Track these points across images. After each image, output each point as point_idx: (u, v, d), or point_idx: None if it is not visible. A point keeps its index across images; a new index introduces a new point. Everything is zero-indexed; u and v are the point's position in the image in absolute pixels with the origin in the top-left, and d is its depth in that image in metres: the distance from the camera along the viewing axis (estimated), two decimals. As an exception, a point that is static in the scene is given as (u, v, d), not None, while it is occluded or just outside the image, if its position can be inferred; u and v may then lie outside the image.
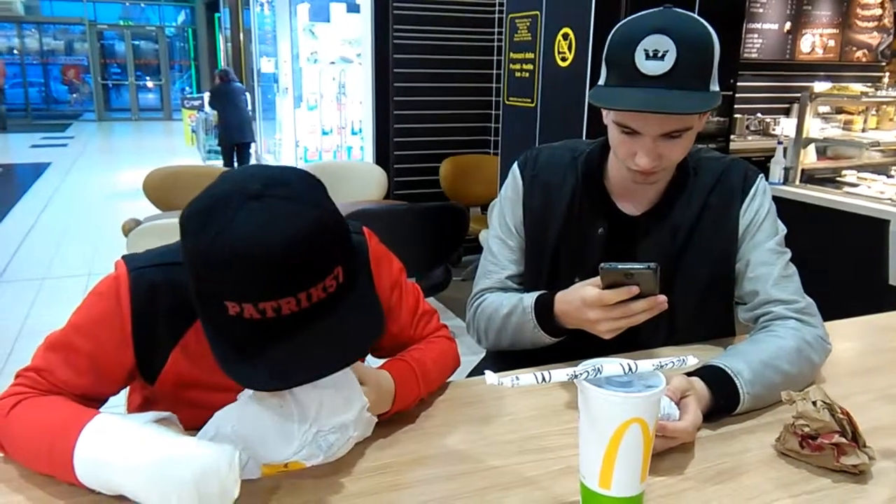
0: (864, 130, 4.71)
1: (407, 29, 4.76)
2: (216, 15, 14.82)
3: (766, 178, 1.35)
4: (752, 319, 1.30)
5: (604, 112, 1.22)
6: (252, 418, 0.88)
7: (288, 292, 0.80)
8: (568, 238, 1.34)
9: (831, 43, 5.17)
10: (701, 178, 1.32)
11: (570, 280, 1.24)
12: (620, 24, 1.17)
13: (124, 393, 1.08)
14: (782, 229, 1.32)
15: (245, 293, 0.79)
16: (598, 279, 1.11)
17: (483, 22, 4.93)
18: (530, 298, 1.27)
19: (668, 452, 0.97)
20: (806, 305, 1.26)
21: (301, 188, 0.84)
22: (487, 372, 0.84)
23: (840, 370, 1.28)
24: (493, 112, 5.00)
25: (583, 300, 1.13)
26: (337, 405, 0.90)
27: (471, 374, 1.43)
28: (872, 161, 4.08)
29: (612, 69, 1.16)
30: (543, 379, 0.80)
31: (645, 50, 1.10)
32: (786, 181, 3.58)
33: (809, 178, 3.67)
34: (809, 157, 3.78)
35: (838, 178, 3.78)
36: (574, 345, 1.21)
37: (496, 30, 4.89)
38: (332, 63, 7.27)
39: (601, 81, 1.20)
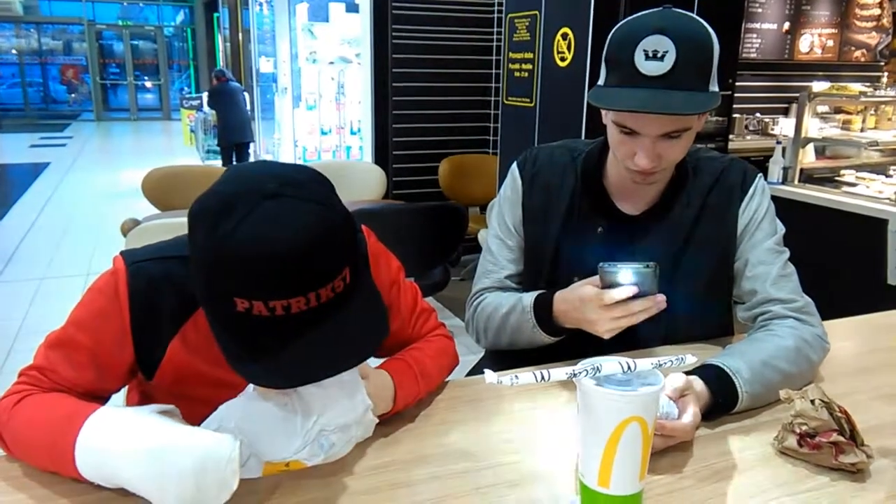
0: (862, 130, 4.72)
1: (406, 29, 4.76)
2: (215, 15, 14.80)
3: (765, 178, 1.36)
4: (750, 318, 1.30)
5: (603, 112, 1.22)
6: (256, 415, 0.88)
7: (299, 291, 0.80)
8: (567, 238, 1.34)
9: (830, 43, 5.18)
10: (700, 177, 1.32)
11: (570, 280, 1.24)
12: (620, 24, 1.17)
13: (123, 392, 1.08)
14: (781, 229, 1.32)
15: (256, 291, 0.79)
16: (597, 279, 1.11)
17: (482, 22, 4.93)
18: (529, 298, 1.27)
19: (666, 451, 0.97)
20: (804, 304, 1.26)
21: (314, 188, 0.85)
22: (486, 371, 0.84)
23: (838, 369, 1.28)
24: (492, 112, 5.00)
25: (582, 300, 1.13)
26: (341, 405, 0.90)
27: (470, 374, 1.43)
28: (871, 161, 4.08)
29: (611, 69, 1.17)
30: (542, 378, 0.80)
31: (644, 50, 1.10)
32: (784, 181, 3.59)
33: (808, 177, 3.67)
34: (808, 157, 3.79)
35: (837, 178, 3.78)
36: (573, 344, 1.21)
37: (495, 29, 4.89)
38: (331, 63, 7.27)
39: (600, 81, 1.20)
